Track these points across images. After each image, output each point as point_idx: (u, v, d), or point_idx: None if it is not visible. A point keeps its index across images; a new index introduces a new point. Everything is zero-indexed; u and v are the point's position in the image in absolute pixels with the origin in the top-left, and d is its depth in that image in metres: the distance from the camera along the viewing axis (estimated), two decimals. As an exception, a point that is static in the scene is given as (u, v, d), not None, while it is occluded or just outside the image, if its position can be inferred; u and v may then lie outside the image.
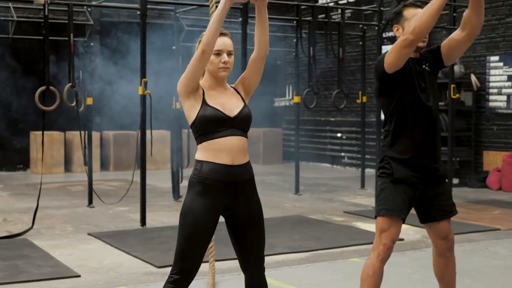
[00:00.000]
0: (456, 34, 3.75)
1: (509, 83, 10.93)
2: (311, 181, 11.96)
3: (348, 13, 13.48)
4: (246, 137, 3.39)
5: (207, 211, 3.28)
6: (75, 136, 12.81)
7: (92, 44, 9.49)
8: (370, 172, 12.06)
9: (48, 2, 7.27)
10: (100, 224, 7.71)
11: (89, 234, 7.10)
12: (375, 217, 3.85)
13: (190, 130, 3.41)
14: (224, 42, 3.37)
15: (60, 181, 11.83)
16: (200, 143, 3.33)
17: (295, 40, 10.30)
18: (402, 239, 6.86)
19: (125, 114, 12.15)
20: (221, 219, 3.38)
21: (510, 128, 10.96)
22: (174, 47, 9.52)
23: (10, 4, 10.14)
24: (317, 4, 9.69)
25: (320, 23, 9.87)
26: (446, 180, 3.97)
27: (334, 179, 12.43)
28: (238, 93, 3.46)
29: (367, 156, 11.80)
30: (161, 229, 7.29)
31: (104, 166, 13.80)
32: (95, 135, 13.40)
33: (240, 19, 8.08)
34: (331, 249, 6.49)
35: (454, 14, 9.40)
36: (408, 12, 3.76)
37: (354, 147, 14.08)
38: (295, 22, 9.90)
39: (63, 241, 6.77)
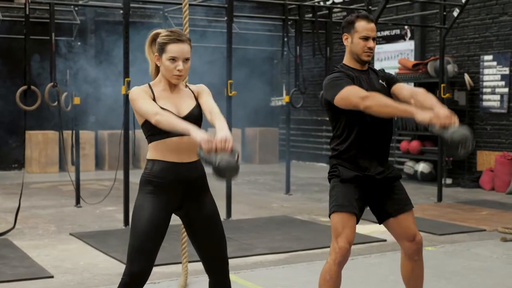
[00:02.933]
0: (402, 95, 3.78)
1: (502, 83, 10.84)
2: (304, 180, 11.91)
3: (343, 12, 13.43)
4: None
5: (157, 209, 3.29)
6: (69, 135, 12.77)
7: (79, 43, 9.45)
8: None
9: (29, 1, 7.26)
10: (84, 224, 7.69)
11: (71, 234, 7.08)
12: (329, 216, 3.83)
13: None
14: (181, 49, 3.31)
15: (53, 180, 11.82)
16: (150, 142, 3.35)
17: (286, 39, 10.22)
18: (385, 240, 6.81)
19: (119, 114, 12.09)
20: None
21: (503, 128, 10.88)
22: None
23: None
24: (304, 3, 9.61)
25: (309, 23, 9.79)
26: (399, 179, 3.93)
27: (327, 179, 12.34)
28: (193, 94, 3.45)
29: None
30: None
31: (99, 165, 13.80)
32: (90, 134, 13.42)
33: (226, 18, 8.02)
34: (311, 250, 6.45)
35: (444, 13, 9.35)
36: (359, 25, 3.80)
37: (350, 146, 13.98)
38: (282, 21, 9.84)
39: (44, 241, 6.74)
